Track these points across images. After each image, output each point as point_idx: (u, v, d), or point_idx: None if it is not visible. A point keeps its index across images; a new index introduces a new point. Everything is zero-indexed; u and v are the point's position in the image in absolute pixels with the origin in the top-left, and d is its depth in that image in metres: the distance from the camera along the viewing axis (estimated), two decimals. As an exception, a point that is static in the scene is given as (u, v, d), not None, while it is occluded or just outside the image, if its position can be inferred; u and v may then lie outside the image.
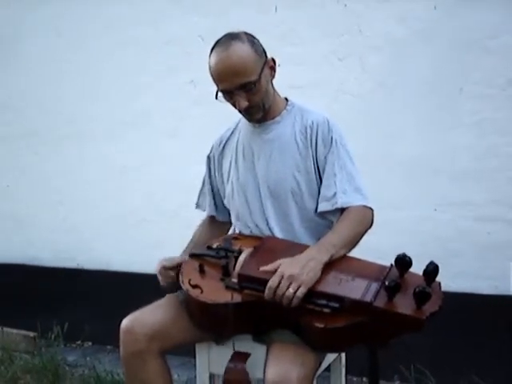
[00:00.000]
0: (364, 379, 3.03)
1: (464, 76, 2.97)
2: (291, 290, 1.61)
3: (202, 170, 2.20)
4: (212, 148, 2.15)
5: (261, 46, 1.90)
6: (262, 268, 1.69)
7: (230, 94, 1.86)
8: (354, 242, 1.81)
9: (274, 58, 1.93)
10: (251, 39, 1.87)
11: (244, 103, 1.85)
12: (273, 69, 1.93)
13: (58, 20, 3.80)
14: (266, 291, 1.64)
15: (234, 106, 1.89)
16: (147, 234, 3.61)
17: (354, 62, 3.15)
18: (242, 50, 1.82)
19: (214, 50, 1.86)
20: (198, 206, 2.22)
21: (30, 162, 3.97)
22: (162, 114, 3.59)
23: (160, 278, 1.94)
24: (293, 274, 1.62)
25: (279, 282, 1.63)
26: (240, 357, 1.77)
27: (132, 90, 3.64)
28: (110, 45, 3.67)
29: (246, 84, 1.82)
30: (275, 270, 1.66)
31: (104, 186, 3.74)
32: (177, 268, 1.90)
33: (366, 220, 1.87)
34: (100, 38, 3.69)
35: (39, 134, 3.91)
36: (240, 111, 1.91)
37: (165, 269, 1.92)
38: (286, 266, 1.66)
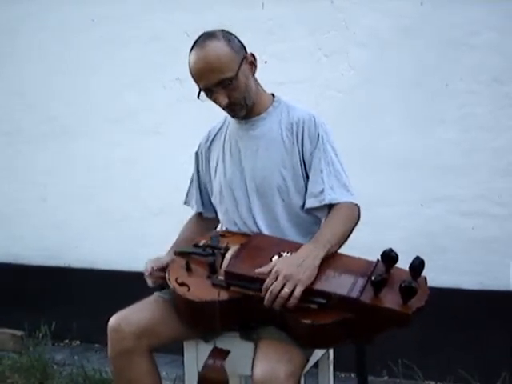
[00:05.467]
0: (352, 375, 3.04)
1: (449, 72, 2.99)
2: (286, 290, 1.60)
3: (188, 166, 2.19)
4: (200, 145, 2.15)
5: (239, 42, 1.91)
6: (258, 270, 1.67)
7: (210, 92, 1.87)
8: (345, 238, 1.82)
9: (258, 54, 1.93)
10: (227, 36, 1.88)
11: (224, 100, 1.86)
12: (253, 64, 1.93)
13: (42, 17, 3.76)
14: (263, 291, 1.63)
15: (216, 103, 1.89)
16: (133, 232, 3.59)
17: (340, 58, 3.15)
18: (217, 47, 1.84)
19: (191, 51, 1.88)
20: (185, 202, 2.22)
21: (14, 158, 3.92)
22: (147, 110, 3.56)
23: (149, 279, 1.93)
24: (289, 273, 1.62)
25: (273, 281, 1.62)
26: (219, 353, 1.75)
27: (117, 87, 3.62)
28: (95, 41, 3.64)
29: (223, 80, 1.83)
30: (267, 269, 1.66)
31: (89, 183, 3.72)
32: (166, 268, 1.89)
33: (355, 217, 1.87)
34: (84, 35, 3.66)
35: (23, 131, 3.87)
36: (223, 108, 1.92)
37: (155, 270, 1.91)
38: (282, 265, 1.65)
